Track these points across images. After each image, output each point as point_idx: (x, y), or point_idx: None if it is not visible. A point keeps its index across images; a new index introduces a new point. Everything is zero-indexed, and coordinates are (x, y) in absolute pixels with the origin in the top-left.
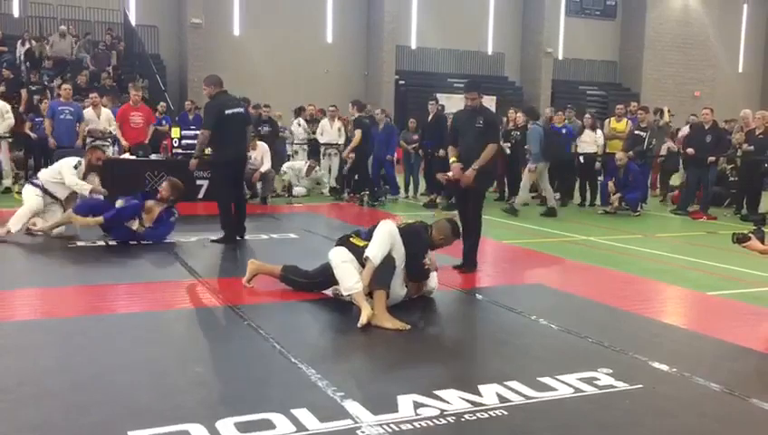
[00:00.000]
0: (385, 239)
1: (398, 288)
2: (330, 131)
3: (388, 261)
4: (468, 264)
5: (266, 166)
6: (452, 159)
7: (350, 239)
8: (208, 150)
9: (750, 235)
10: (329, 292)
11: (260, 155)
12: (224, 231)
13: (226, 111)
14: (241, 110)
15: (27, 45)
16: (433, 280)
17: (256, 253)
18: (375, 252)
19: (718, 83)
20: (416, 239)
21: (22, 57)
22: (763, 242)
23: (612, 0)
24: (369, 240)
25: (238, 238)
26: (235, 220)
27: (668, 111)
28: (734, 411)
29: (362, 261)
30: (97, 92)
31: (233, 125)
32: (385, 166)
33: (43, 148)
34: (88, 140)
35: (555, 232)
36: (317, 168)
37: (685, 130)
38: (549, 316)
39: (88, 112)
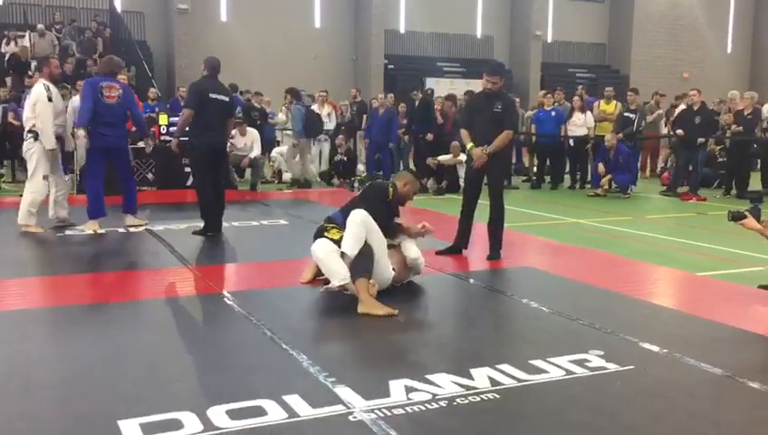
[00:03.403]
0: (358, 230)
1: (385, 271)
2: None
3: (366, 250)
4: (493, 250)
5: (256, 152)
6: (469, 145)
7: (326, 234)
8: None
9: (746, 213)
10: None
11: (250, 141)
12: (203, 221)
13: (210, 95)
14: (226, 98)
15: (12, 45)
16: (412, 249)
17: (246, 239)
18: (350, 246)
19: (707, 65)
20: (372, 191)
21: (6, 59)
22: (758, 220)
23: None
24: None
25: (210, 233)
26: (213, 213)
27: (660, 94)
28: (725, 392)
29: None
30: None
31: (215, 111)
32: (383, 151)
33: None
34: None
35: (546, 215)
36: None
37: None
38: (540, 299)
39: (75, 100)
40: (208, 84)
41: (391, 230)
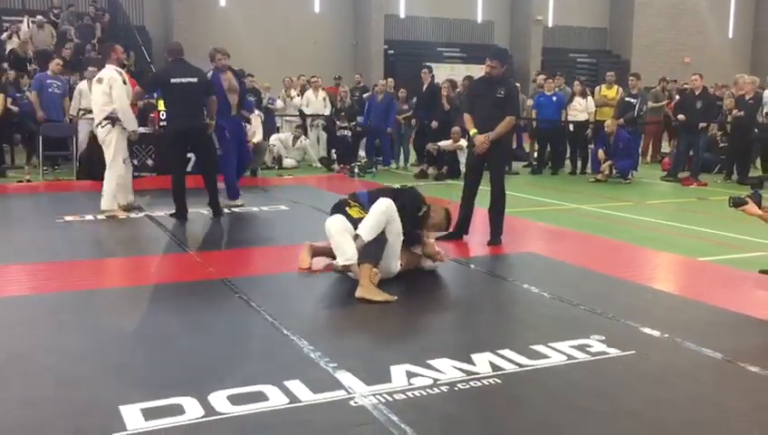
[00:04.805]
0: (379, 218)
1: (392, 264)
2: (315, 102)
3: (380, 238)
4: (494, 236)
5: (258, 137)
6: (472, 131)
7: (347, 209)
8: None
9: (747, 199)
10: (322, 261)
11: (252, 127)
12: (175, 206)
13: (172, 80)
14: (193, 79)
15: (15, 38)
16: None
17: (246, 225)
18: (367, 231)
19: (708, 49)
20: (408, 195)
21: (6, 53)
22: (759, 206)
23: None
24: (367, 210)
25: (213, 217)
26: (208, 196)
27: (667, 81)
28: (726, 377)
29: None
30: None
31: (181, 95)
32: (381, 136)
33: (26, 123)
34: (80, 113)
35: (546, 200)
36: (302, 137)
37: None
38: (541, 284)
39: (82, 85)
40: (171, 69)
41: (410, 239)
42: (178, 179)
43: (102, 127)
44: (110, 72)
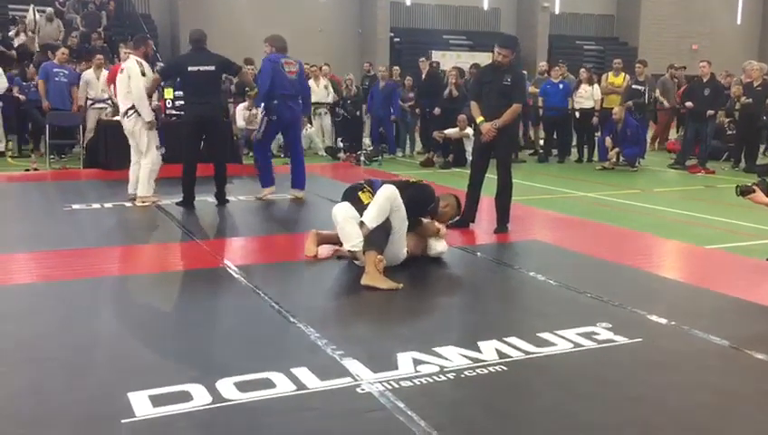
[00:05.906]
0: (383, 205)
1: (399, 251)
2: (317, 91)
3: (384, 225)
4: (501, 224)
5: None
6: (479, 119)
7: (359, 194)
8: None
9: (754, 186)
10: (327, 249)
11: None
12: (183, 193)
13: (189, 68)
14: (211, 67)
15: (23, 37)
16: (441, 244)
17: (253, 213)
18: (371, 218)
19: (716, 36)
20: (420, 190)
21: (15, 47)
22: (766, 194)
23: None
24: None
25: (217, 205)
26: (215, 185)
27: (675, 68)
28: (733, 364)
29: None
30: (98, 54)
31: (198, 82)
32: (385, 124)
33: (31, 111)
34: (88, 103)
35: (553, 188)
36: (307, 126)
37: None
38: (547, 272)
39: (88, 74)
40: (189, 57)
41: (410, 225)
42: (190, 168)
43: (129, 117)
44: (130, 63)
